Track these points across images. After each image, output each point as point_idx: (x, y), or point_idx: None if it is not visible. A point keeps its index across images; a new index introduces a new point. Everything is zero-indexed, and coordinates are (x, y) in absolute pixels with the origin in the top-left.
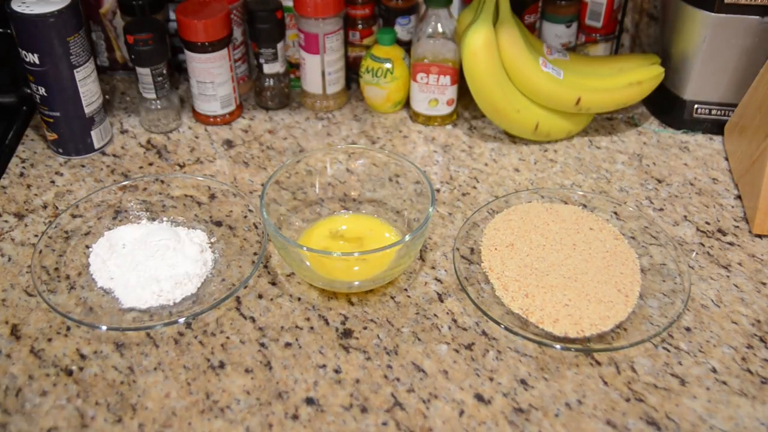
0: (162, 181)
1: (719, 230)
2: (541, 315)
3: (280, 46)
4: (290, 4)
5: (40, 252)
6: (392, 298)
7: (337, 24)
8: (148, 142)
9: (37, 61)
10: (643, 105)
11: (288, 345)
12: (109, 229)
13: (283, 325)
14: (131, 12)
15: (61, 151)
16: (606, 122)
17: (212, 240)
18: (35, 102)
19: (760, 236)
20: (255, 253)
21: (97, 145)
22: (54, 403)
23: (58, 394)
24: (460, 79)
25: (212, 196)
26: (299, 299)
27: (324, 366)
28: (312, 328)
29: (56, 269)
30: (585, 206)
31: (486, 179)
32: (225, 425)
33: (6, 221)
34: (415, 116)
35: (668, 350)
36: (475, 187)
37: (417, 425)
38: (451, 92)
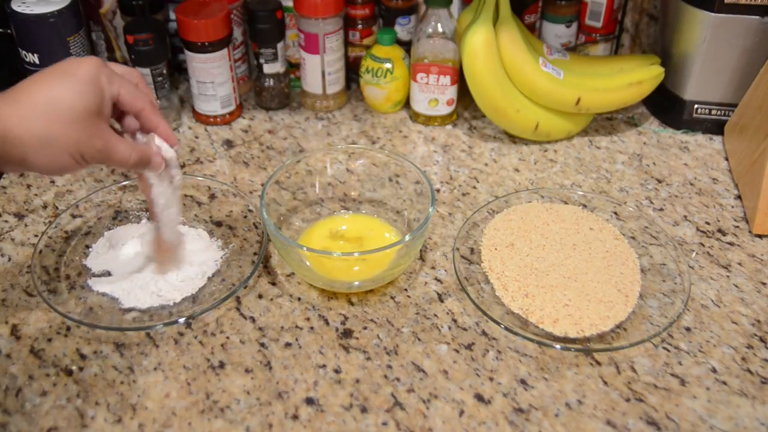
0: None
1: (719, 230)
2: (541, 315)
3: (280, 46)
4: (290, 4)
5: (40, 252)
6: (392, 298)
7: (337, 24)
8: None
9: (37, 61)
10: (643, 105)
11: (288, 345)
12: (109, 229)
13: (283, 325)
14: (131, 12)
15: None
16: (606, 122)
17: (212, 240)
18: None
19: (760, 236)
20: (255, 253)
21: None
22: (54, 403)
23: (58, 394)
24: (460, 79)
25: (212, 196)
26: (299, 299)
27: (324, 366)
28: (312, 328)
29: (56, 269)
30: (585, 206)
31: (486, 179)
32: (225, 425)
33: (6, 221)
34: (415, 116)
35: (668, 350)
36: (475, 187)
37: (417, 425)
38: (451, 92)
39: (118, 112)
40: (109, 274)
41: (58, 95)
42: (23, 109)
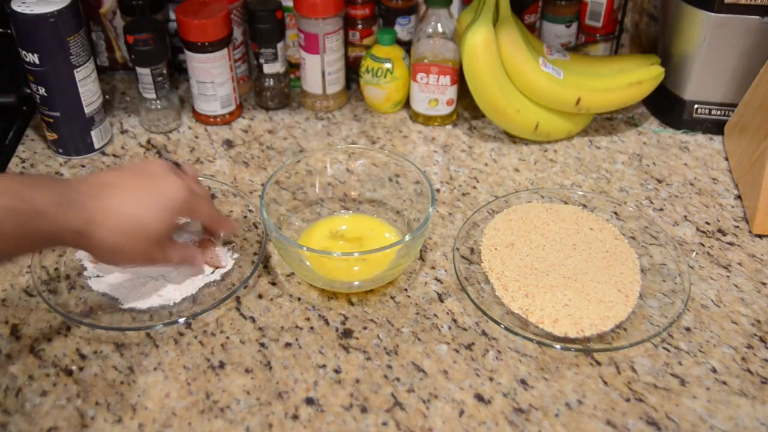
0: None
1: (719, 230)
2: (541, 315)
3: (280, 46)
4: (290, 4)
5: (40, 252)
6: (392, 298)
7: (337, 24)
8: (148, 142)
9: (37, 61)
10: (643, 105)
11: (288, 345)
12: None
13: (283, 325)
14: (131, 12)
15: (61, 151)
16: (606, 122)
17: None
18: (35, 102)
19: (760, 236)
20: (255, 253)
21: (97, 145)
22: (54, 403)
23: (58, 394)
24: (460, 79)
25: (212, 196)
26: (299, 299)
27: (324, 366)
28: (312, 328)
29: (56, 269)
30: (585, 206)
31: (486, 179)
32: (225, 425)
33: None
34: (415, 116)
35: (668, 350)
36: (475, 187)
37: (417, 425)
38: (451, 92)
39: None
40: (109, 274)
41: (141, 216)
42: (109, 218)
